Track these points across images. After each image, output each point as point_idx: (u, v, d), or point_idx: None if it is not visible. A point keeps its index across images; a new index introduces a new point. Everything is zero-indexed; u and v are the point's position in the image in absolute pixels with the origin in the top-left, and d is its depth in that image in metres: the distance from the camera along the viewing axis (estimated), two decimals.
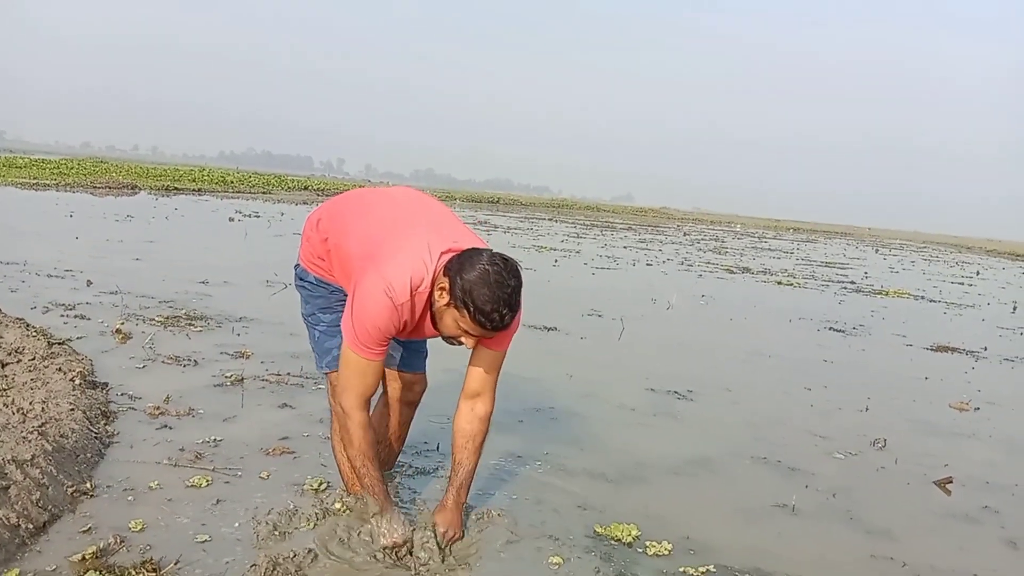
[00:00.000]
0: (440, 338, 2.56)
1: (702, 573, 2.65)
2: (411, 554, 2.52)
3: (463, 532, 2.69)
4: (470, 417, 2.67)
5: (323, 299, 2.80)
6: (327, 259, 2.71)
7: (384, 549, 2.50)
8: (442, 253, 2.42)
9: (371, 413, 2.81)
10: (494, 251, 2.39)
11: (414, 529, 2.58)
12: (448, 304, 2.36)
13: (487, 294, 2.28)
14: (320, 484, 2.98)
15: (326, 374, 2.85)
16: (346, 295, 2.72)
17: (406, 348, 2.96)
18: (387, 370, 2.99)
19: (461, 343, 2.45)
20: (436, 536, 2.58)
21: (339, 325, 2.76)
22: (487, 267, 2.30)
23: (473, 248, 2.39)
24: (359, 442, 2.53)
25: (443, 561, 2.54)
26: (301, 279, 2.84)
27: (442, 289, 2.37)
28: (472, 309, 2.30)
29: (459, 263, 2.34)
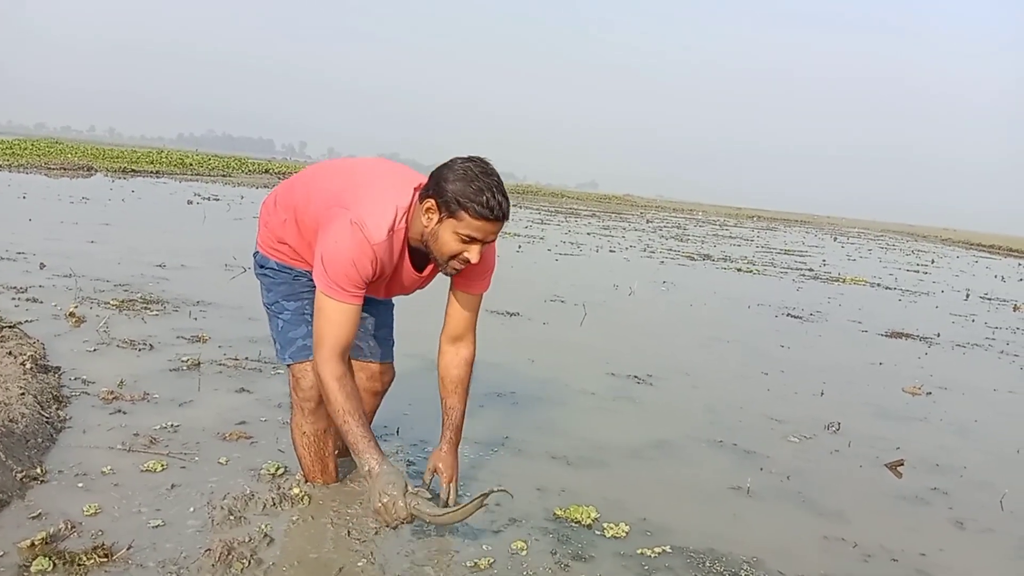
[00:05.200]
0: (414, 291, 2.62)
1: (658, 554, 2.68)
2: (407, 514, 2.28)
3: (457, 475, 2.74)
4: (457, 362, 2.71)
5: (287, 285, 2.71)
6: (294, 238, 2.61)
7: (377, 512, 2.29)
8: (413, 189, 2.41)
9: None
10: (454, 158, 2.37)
11: (407, 486, 2.30)
12: (440, 220, 2.31)
13: (479, 186, 2.26)
14: (277, 469, 2.95)
15: (289, 366, 2.74)
16: (309, 279, 2.66)
17: (374, 337, 2.93)
18: (354, 362, 2.92)
19: (464, 262, 2.38)
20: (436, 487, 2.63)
21: (304, 313, 2.70)
22: (465, 165, 2.30)
23: (440, 165, 2.36)
24: (335, 396, 2.34)
25: (443, 506, 2.50)
26: (262, 266, 2.75)
27: (429, 210, 2.32)
28: (470, 205, 2.26)
29: (435, 180, 2.32)
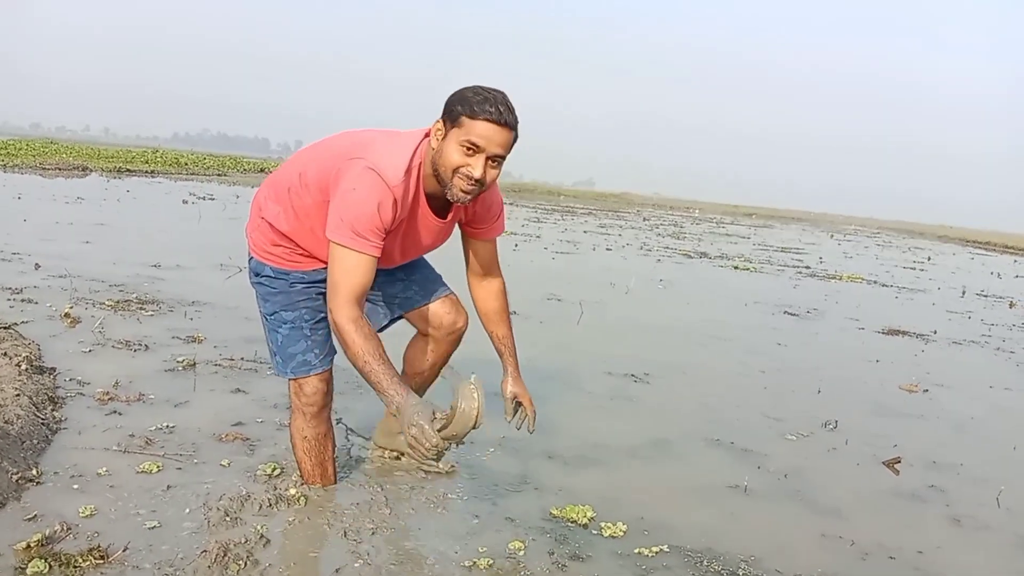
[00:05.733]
0: (432, 247, 2.65)
1: (656, 553, 2.68)
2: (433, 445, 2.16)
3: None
4: (494, 293, 2.85)
5: (284, 295, 2.63)
6: (291, 226, 2.53)
7: (411, 447, 2.18)
8: (424, 135, 2.41)
9: (409, 347, 2.95)
10: None
11: (434, 413, 2.19)
12: (446, 135, 2.31)
13: (484, 96, 2.26)
14: (273, 470, 2.94)
15: (291, 380, 2.70)
16: (310, 283, 2.63)
17: (415, 282, 2.88)
18: (413, 315, 2.90)
19: (468, 180, 2.30)
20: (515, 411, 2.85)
21: (302, 326, 2.63)
22: (473, 86, 2.32)
23: None
24: (353, 339, 2.24)
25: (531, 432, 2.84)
26: (257, 273, 2.67)
27: (437, 131, 2.34)
28: (471, 108, 2.25)
29: (444, 107, 2.33)
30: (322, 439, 2.79)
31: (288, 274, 2.63)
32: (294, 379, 2.69)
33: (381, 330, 2.91)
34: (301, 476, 2.86)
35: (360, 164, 2.31)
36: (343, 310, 2.28)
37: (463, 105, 2.27)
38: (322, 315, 2.65)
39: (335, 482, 2.90)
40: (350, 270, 2.29)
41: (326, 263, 2.40)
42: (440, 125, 2.34)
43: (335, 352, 2.71)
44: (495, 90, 2.30)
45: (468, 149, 2.28)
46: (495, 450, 3.49)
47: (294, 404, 2.74)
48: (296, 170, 2.54)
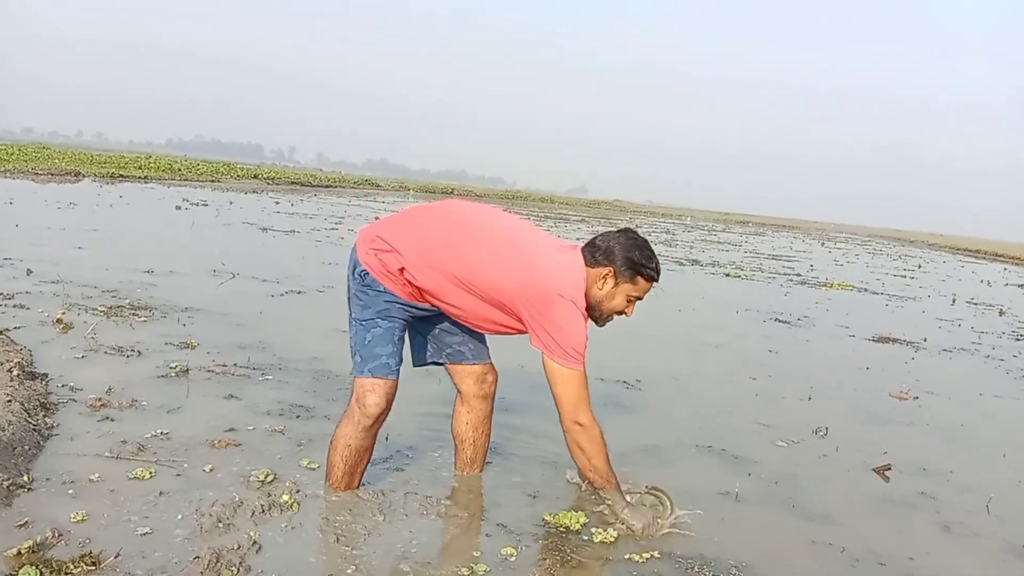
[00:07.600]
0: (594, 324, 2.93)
1: (646, 559, 2.69)
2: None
3: None
4: None
5: (385, 307, 2.81)
6: (433, 289, 2.76)
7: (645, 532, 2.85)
8: (574, 258, 2.83)
9: (452, 419, 3.14)
10: (608, 232, 2.90)
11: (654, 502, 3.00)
12: (616, 284, 2.81)
13: (647, 253, 2.83)
14: (266, 476, 2.94)
15: (356, 378, 2.80)
16: (407, 307, 2.82)
17: (472, 337, 3.07)
18: (456, 369, 3.08)
19: (622, 315, 2.89)
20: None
21: (394, 333, 2.82)
22: (624, 238, 2.83)
23: (596, 237, 2.87)
24: (603, 447, 2.84)
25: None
26: (368, 286, 2.82)
27: (607, 276, 2.80)
28: (646, 271, 2.80)
29: (603, 251, 2.81)
30: (363, 452, 2.88)
31: (393, 296, 2.82)
32: (367, 378, 2.78)
33: (418, 366, 3.12)
34: (327, 477, 2.91)
35: (565, 300, 2.72)
36: (596, 423, 2.83)
37: (639, 267, 2.79)
38: (404, 332, 2.90)
39: (356, 488, 2.94)
40: (584, 386, 2.80)
41: (427, 302, 2.82)
42: (610, 273, 2.79)
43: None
44: (648, 245, 2.86)
45: (632, 299, 2.86)
46: (490, 453, 3.49)
47: (352, 411, 2.82)
48: (451, 253, 2.74)
